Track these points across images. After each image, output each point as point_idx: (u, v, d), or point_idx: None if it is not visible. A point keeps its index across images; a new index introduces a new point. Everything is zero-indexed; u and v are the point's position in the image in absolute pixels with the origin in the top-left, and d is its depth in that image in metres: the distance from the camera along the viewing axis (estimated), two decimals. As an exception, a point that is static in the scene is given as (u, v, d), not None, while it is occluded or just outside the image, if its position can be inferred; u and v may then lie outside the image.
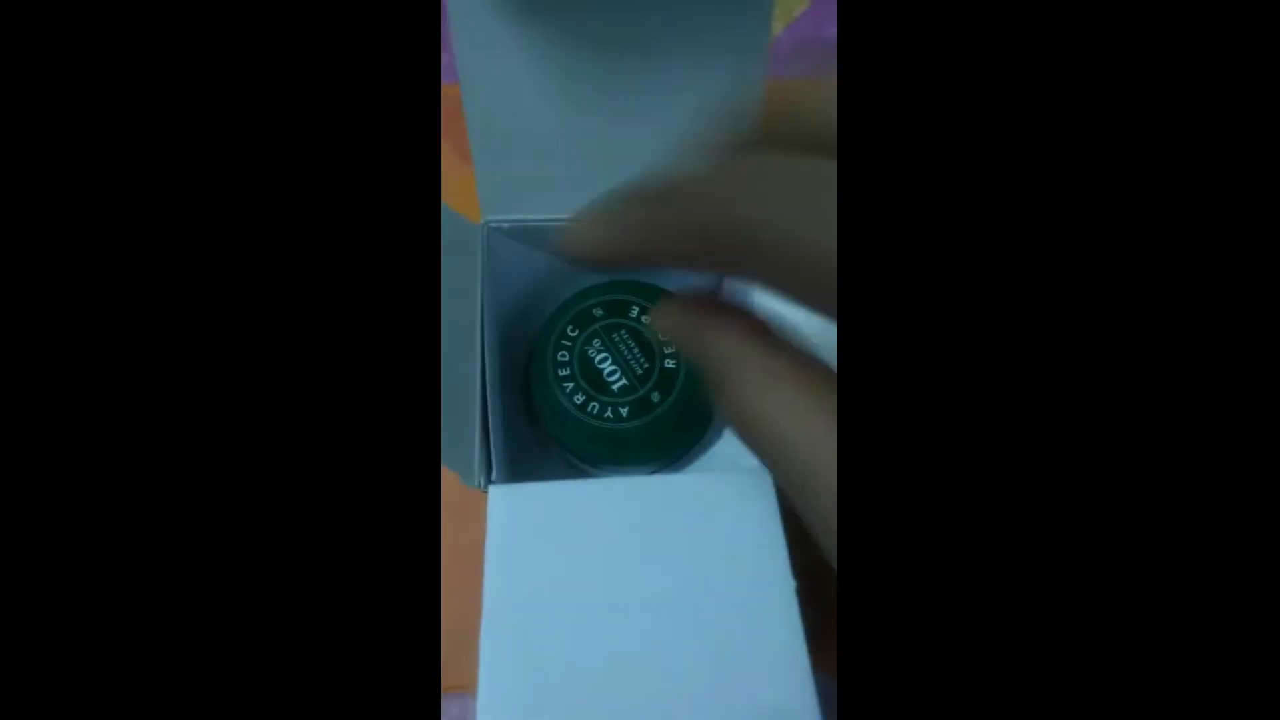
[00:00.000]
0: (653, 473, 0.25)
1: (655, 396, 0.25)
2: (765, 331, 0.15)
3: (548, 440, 0.26)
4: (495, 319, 0.26)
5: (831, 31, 0.50)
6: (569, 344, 0.26)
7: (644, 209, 0.15)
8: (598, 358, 0.26)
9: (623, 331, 0.26)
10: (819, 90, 0.14)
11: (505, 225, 0.26)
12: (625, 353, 0.26)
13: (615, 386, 0.25)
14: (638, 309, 0.27)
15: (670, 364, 0.25)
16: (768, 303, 0.15)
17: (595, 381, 0.25)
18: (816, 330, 0.14)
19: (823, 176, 0.13)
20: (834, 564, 0.14)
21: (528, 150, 0.25)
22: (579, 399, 0.25)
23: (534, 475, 0.21)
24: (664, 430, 0.25)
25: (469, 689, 0.34)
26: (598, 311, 0.27)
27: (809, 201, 0.13)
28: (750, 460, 0.17)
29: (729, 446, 0.27)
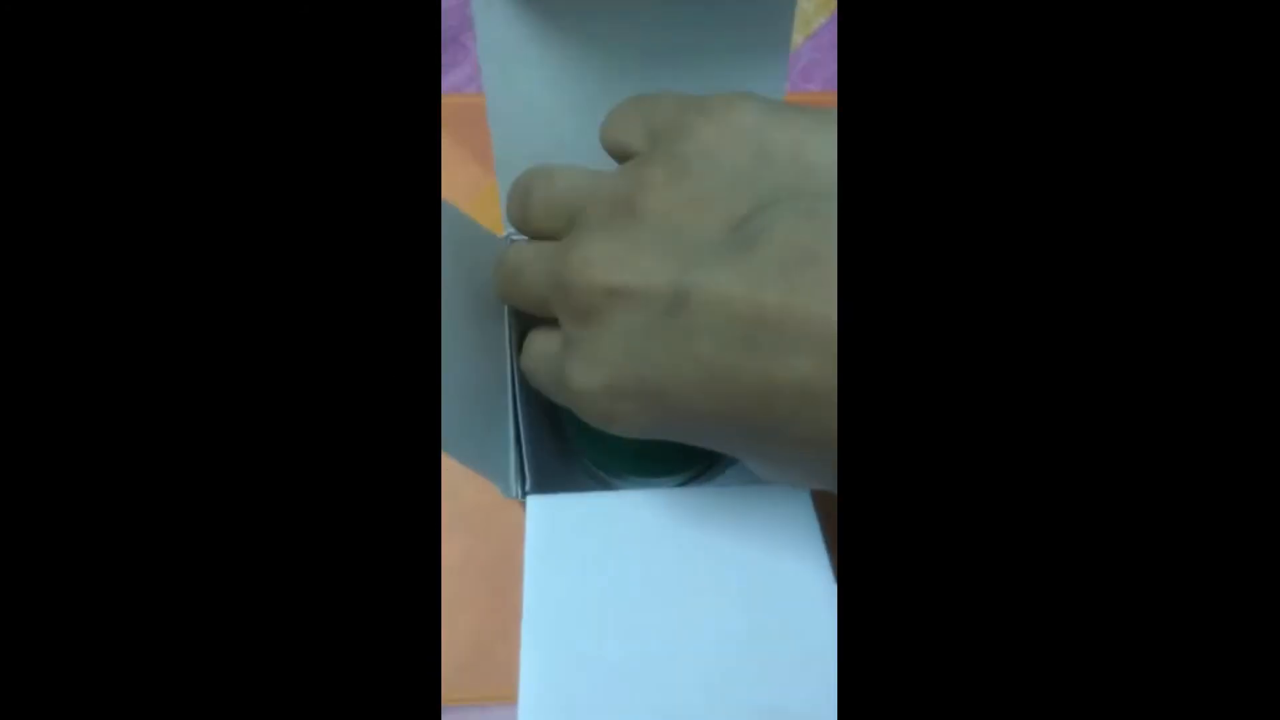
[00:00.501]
0: (676, 486, 0.25)
1: None
2: None
3: (571, 454, 0.26)
4: (519, 333, 0.25)
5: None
6: None
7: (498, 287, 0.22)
8: None
9: None
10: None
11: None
12: None
13: None
14: None
15: None
16: None
17: None
18: None
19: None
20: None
21: (551, 159, 0.25)
22: None
23: (559, 489, 0.21)
24: (688, 444, 0.24)
25: (490, 700, 0.34)
26: None
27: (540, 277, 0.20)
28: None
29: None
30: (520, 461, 0.22)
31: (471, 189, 0.41)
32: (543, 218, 0.21)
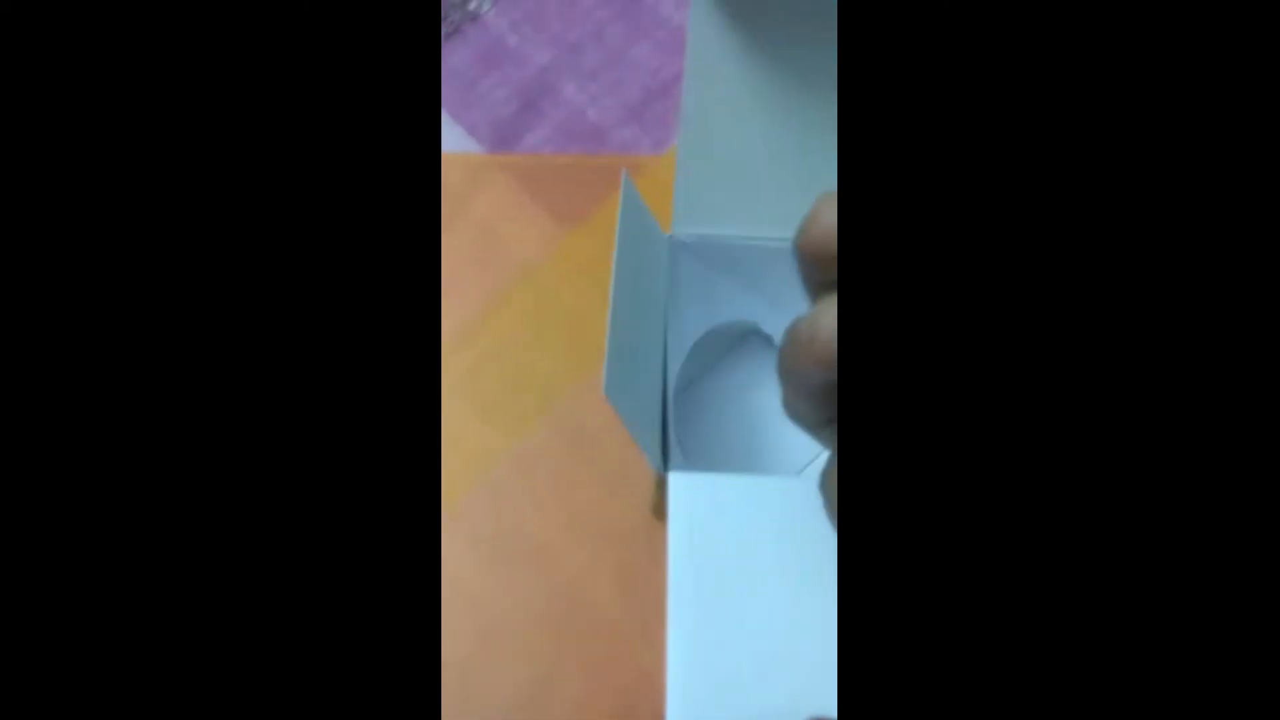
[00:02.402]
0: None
1: None
2: None
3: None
4: (673, 327, 0.28)
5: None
6: None
7: None
8: None
9: None
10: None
11: (690, 239, 0.29)
12: None
13: None
14: None
15: None
16: None
17: None
18: None
19: None
20: None
21: (733, 163, 0.26)
22: None
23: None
24: None
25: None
26: None
27: None
28: None
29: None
30: (664, 445, 0.25)
31: (546, 242, 0.42)
32: None
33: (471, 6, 0.45)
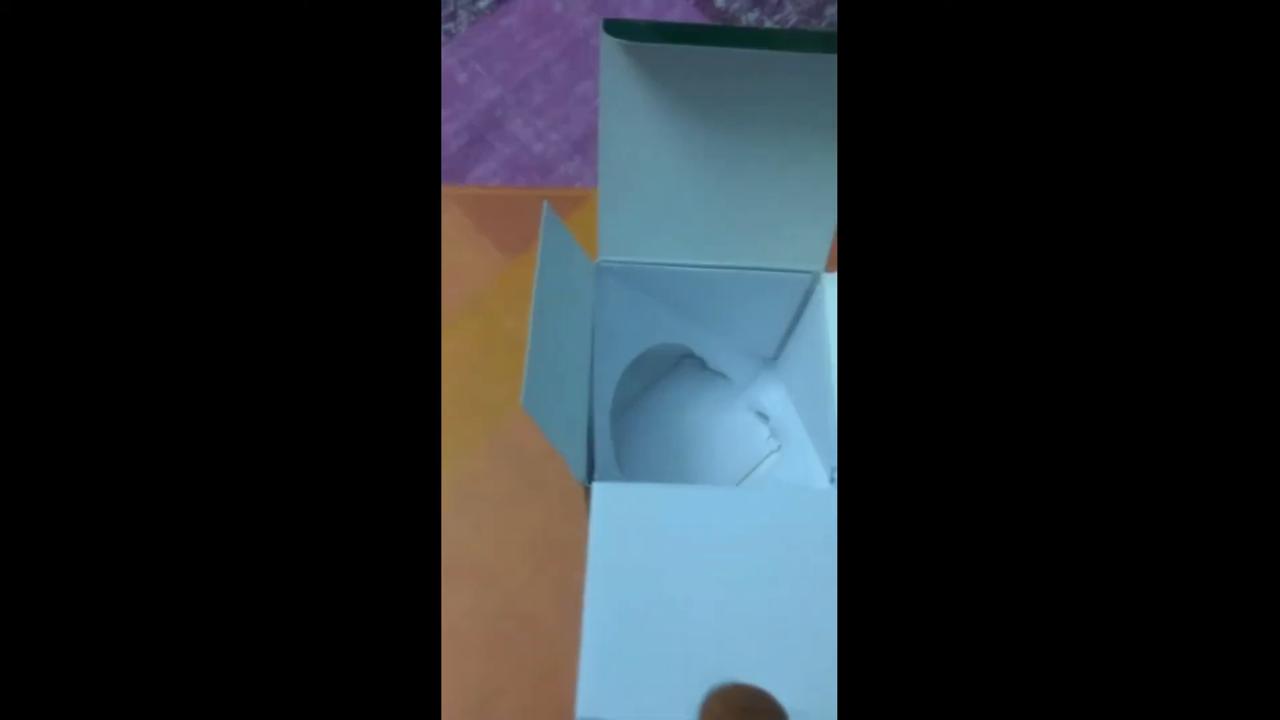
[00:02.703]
0: None
1: None
2: None
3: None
4: (605, 349, 0.29)
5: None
6: None
7: None
8: None
9: None
10: None
11: (617, 265, 0.29)
12: None
13: None
14: None
15: None
16: None
17: None
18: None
19: None
20: None
21: (651, 195, 0.28)
22: None
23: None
24: None
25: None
26: None
27: None
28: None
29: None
30: (590, 457, 0.25)
31: (492, 271, 0.43)
32: None
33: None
